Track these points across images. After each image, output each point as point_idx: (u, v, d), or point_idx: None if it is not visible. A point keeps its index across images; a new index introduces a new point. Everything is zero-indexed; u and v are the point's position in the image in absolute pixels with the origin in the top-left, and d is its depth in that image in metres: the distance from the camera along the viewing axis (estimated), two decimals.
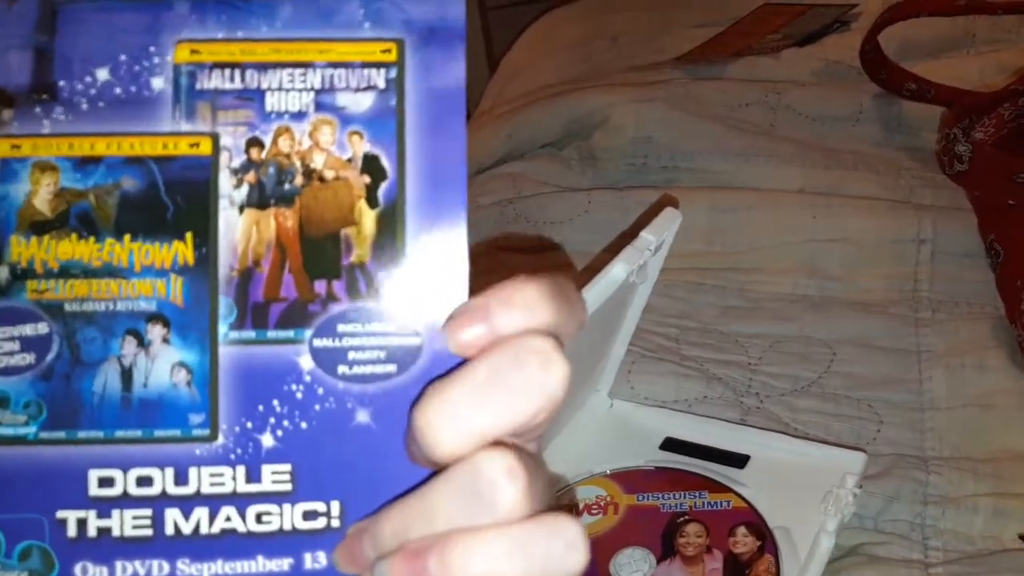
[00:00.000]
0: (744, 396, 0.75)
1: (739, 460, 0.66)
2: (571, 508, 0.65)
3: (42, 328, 0.29)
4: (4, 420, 0.29)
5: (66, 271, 0.29)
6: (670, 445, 0.68)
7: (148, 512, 0.29)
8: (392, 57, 0.29)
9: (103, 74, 0.29)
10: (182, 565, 0.29)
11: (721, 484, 0.64)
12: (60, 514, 0.29)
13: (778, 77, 1.05)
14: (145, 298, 0.29)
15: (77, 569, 0.29)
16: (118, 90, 0.29)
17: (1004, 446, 0.69)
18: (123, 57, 0.29)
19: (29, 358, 0.29)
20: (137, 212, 0.29)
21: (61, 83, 0.29)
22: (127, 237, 0.29)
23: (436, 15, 0.29)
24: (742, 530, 0.60)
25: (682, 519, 0.62)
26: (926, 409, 0.73)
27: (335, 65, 0.29)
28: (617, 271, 0.59)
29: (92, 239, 0.29)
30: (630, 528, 0.62)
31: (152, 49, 0.29)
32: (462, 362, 0.28)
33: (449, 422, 0.27)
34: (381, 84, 0.29)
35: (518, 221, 0.93)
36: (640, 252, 0.60)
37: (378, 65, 0.29)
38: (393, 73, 0.29)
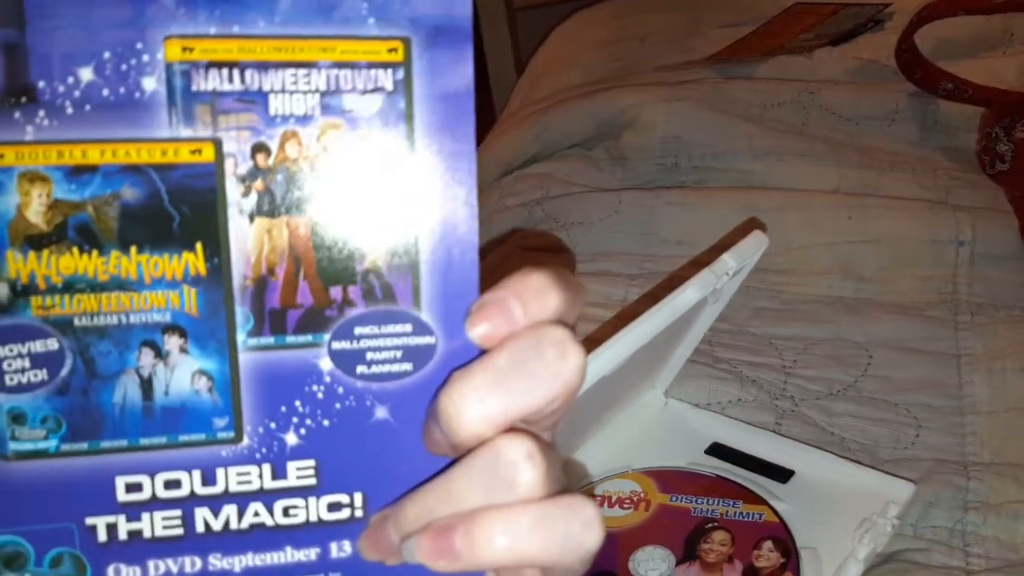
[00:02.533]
0: (778, 399, 0.73)
1: (783, 474, 0.65)
2: (589, 494, 0.64)
3: (52, 344, 0.28)
4: (23, 436, 0.29)
5: (71, 286, 0.28)
6: (716, 450, 0.68)
7: (178, 513, 0.30)
8: (399, 57, 0.28)
9: (87, 74, 0.27)
10: (214, 560, 0.30)
11: (757, 496, 0.63)
12: (89, 520, 0.29)
13: (811, 76, 1.03)
14: (159, 310, 0.29)
15: (110, 571, 0.30)
16: (106, 91, 0.27)
17: None
18: (107, 55, 0.27)
19: (41, 374, 0.28)
20: (141, 223, 0.28)
21: (40, 84, 0.27)
22: (133, 249, 0.28)
23: (443, 12, 0.28)
24: (768, 544, 0.59)
25: (710, 525, 0.61)
26: (966, 413, 0.71)
27: (340, 65, 0.28)
28: (688, 295, 0.57)
29: (95, 252, 0.28)
30: (657, 527, 0.62)
31: (139, 46, 0.27)
32: (475, 357, 0.29)
33: (473, 405, 0.28)
34: (389, 86, 0.28)
35: (546, 221, 0.92)
36: (717, 277, 0.59)
37: (385, 65, 0.28)
38: (401, 74, 0.28)
